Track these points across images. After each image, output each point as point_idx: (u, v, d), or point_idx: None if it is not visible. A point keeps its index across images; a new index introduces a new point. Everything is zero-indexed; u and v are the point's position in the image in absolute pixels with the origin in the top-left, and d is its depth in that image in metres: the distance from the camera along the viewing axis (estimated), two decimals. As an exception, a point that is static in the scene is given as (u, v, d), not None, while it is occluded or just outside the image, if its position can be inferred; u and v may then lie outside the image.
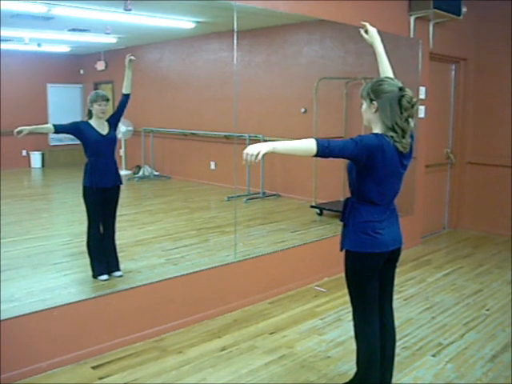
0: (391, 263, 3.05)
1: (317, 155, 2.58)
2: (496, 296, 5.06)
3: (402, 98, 2.70)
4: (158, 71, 9.84)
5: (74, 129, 4.58)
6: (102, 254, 4.75)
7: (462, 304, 4.86)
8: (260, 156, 2.49)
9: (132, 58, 4.62)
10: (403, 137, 2.72)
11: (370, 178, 2.76)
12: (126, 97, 4.70)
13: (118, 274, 4.79)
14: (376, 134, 2.74)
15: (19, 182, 9.38)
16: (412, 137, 2.84)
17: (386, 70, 3.09)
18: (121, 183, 4.79)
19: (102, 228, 4.76)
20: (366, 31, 3.18)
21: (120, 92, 4.74)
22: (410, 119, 2.75)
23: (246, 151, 2.50)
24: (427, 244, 6.92)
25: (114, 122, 4.70)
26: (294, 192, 8.26)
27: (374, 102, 2.76)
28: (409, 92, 2.73)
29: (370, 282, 2.95)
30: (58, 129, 4.47)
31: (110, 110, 4.70)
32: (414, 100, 2.73)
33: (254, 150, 2.50)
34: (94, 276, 4.67)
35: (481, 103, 7.40)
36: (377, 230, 2.83)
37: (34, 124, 4.36)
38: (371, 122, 2.83)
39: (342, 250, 2.96)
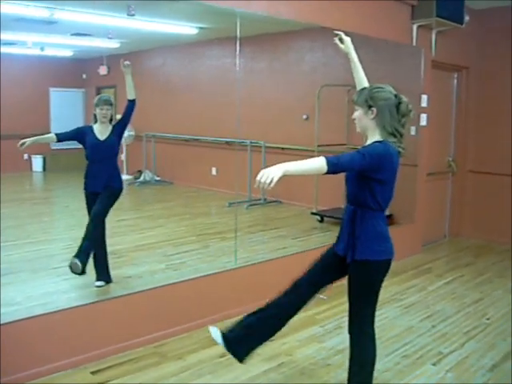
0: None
1: (328, 173, 2.58)
2: (497, 305, 5.05)
3: (400, 104, 2.78)
4: (161, 76, 9.86)
5: (75, 134, 4.61)
6: (102, 259, 4.74)
7: (463, 313, 4.84)
8: (273, 183, 2.44)
9: (126, 62, 4.54)
10: (401, 142, 2.81)
11: (379, 185, 2.78)
12: (131, 102, 4.63)
13: (99, 283, 4.70)
14: (380, 142, 2.77)
15: (20, 185, 9.39)
16: None
17: (361, 78, 3.20)
18: (117, 186, 4.67)
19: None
20: (341, 40, 3.27)
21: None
22: (405, 125, 2.83)
23: (258, 178, 2.45)
24: (428, 252, 6.91)
25: (119, 127, 4.66)
26: (294, 198, 8.26)
27: (373, 109, 2.79)
28: (405, 98, 2.82)
29: (380, 290, 2.96)
30: (61, 137, 4.51)
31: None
32: (411, 106, 2.82)
33: (268, 176, 2.44)
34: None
35: (483, 112, 7.40)
36: (388, 237, 2.88)
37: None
38: (367, 128, 2.84)
39: (352, 260, 2.89)
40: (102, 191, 4.59)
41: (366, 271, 2.88)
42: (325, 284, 3.16)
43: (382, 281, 2.94)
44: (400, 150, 2.78)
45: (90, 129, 4.60)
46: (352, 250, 2.88)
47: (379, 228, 2.84)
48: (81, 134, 4.57)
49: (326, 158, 2.57)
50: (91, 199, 4.61)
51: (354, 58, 3.23)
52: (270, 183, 2.44)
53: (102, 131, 4.60)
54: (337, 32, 3.28)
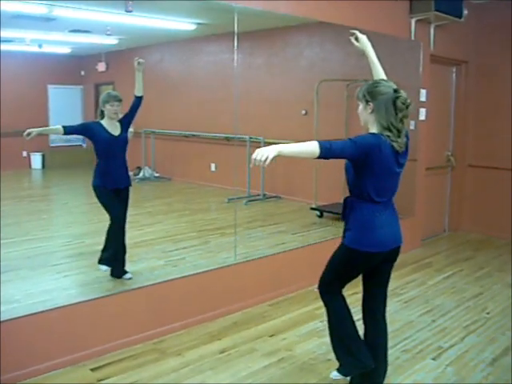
0: (389, 261, 3.12)
1: (319, 157, 2.65)
2: (496, 299, 5.05)
3: (397, 99, 2.81)
4: (159, 73, 9.83)
5: (84, 129, 4.62)
6: (117, 249, 4.76)
7: (463, 307, 4.85)
8: (268, 161, 2.53)
9: (140, 60, 4.59)
10: (398, 136, 2.83)
11: (367, 175, 2.83)
12: (139, 99, 4.69)
13: (128, 276, 4.79)
14: (373, 134, 2.84)
15: (19, 182, 9.36)
16: (407, 137, 2.95)
17: (379, 75, 3.20)
18: (130, 184, 4.82)
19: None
20: (357, 39, 3.28)
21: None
22: (404, 119, 2.86)
23: (254, 156, 2.54)
24: (428, 247, 6.91)
25: (126, 123, 4.69)
26: (294, 194, 8.25)
27: (370, 103, 2.86)
28: (403, 94, 2.84)
29: (354, 274, 3.12)
30: (68, 130, 4.47)
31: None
32: (409, 101, 2.84)
33: (263, 154, 2.53)
34: (98, 262, 4.76)
35: (481, 106, 7.39)
36: (376, 229, 2.91)
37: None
38: (368, 122, 2.92)
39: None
40: (123, 191, 4.73)
41: (344, 252, 3.04)
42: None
43: (356, 269, 3.09)
44: (394, 144, 2.79)
45: (99, 125, 4.58)
46: (343, 236, 3.04)
47: (363, 218, 2.92)
48: (90, 130, 4.55)
49: (319, 142, 2.64)
50: (111, 196, 4.62)
51: (371, 55, 3.24)
52: (265, 161, 2.52)
53: (112, 127, 4.61)
54: (352, 31, 3.31)
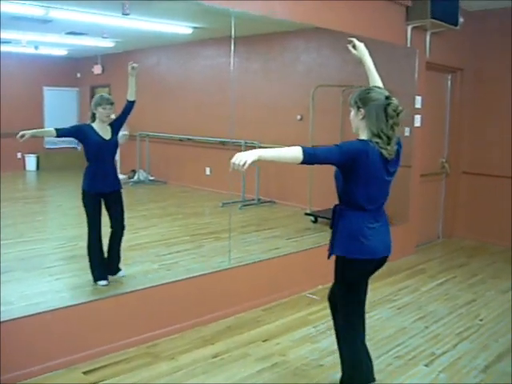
0: (375, 270, 3.10)
1: (303, 162, 2.63)
2: (489, 306, 5.06)
3: (388, 106, 2.79)
4: (155, 76, 9.84)
5: (76, 132, 4.59)
6: (102, 259, 4.73)
7: (456, 314, 4.85)
8: (246, 165, 2.49)
9: (134, 65, 4.58)
10: (388, 143, 2.81)
11: (356, 182, 2.81)
12: (131, 103, 4.67)
13: (121, 273, 4.81)
14: (361, 140, 2.83)
15: (14, 184, 9.35)
16: (399, 144, 2.92)
17: (375, 83, 3.18)
18: (120, 187, 4.77)
19: (110, 231, 4.77)
20: (354, 47, 3.30)
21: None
22: (395, 127, 2.83)
23: (232, 160, 2.51)
24: (421, 253, 6.92)
25: (117, 126, 4.67)
26: (288, 199, 8.26)
27: (361, 110, 2.85)
28: (395, 101, 2.82)
29: (358, 288, 3.02)
30: (60, 133, 4.45)
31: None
32: (400, 108, 2.82)
33: (241, 159, 2.50)
34: (94, 280, 4.64)
35: (476, 113, 7.42)
36: (366, 236, 2.87)
37: (30, 127, 4.33)
38: (359, 128, 2.91)
39: (330, 257, 3.02)
40: (113, 197, 4.70)
41: (339, 266, 2.99)
42: None
43: (355, 280, 2.99)
44: (383, 151, 2.77)
45: (90, 127, 4.55)
46: (331, 245, 3.00)
47: (352, 226, 2.88)
48: (81, 133, 4.53)
49: (303, 147, 2.61)
50: (97, 200, 4.60)
51: (368, 63, 3.23)
52: (243, 165, 2.49)
53: (103, 130, 4.58)
54: (350, 39, 3.31)
